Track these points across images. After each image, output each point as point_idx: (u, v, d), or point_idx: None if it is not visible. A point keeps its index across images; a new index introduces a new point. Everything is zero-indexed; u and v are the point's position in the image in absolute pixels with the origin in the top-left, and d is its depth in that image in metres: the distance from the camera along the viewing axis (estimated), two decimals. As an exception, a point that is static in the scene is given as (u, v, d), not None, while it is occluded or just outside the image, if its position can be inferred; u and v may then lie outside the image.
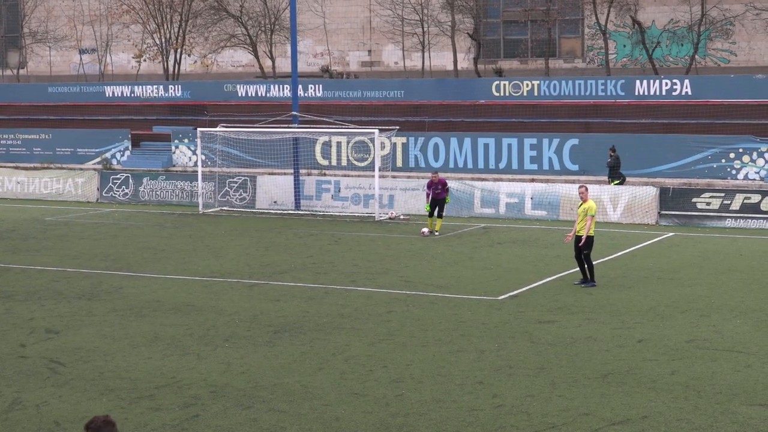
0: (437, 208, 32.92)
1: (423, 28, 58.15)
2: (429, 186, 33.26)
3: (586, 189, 24.28)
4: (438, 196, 32.95)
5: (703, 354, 17.45)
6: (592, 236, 23.67)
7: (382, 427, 13.88)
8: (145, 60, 63.66)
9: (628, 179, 39.23)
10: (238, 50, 63.04)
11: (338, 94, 51.03)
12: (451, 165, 43.95)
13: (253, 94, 52.67)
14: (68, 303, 22.12)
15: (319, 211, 38.72)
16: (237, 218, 37.61)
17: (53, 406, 14.88)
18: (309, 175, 42.40)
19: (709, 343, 18.25)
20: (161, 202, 41.88)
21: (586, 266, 23.73)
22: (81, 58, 68.99)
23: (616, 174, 38.05)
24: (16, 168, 48.25)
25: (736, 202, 33.89)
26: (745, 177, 39.51)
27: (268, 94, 52.26)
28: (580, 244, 23.53)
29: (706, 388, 15.43)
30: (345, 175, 42.32)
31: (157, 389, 15.64)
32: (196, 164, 44.04)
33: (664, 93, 44.91)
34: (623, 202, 35.23)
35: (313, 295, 22.79)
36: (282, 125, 40.29)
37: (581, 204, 23.88)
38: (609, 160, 38.51)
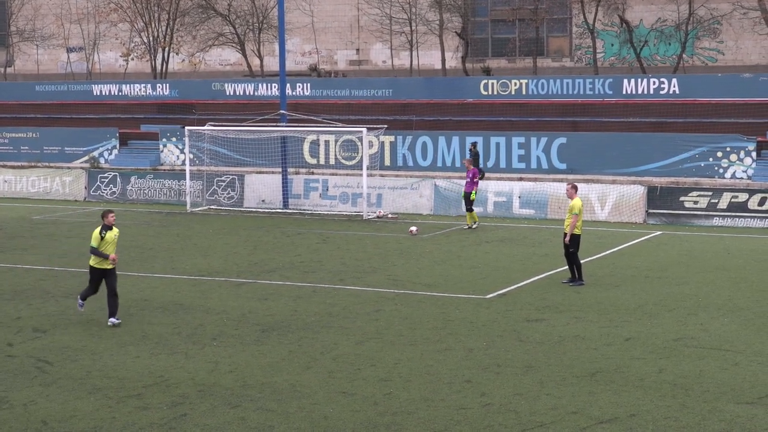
0: (464, 202, 33.73)
1: (411, 26, 58.17)
2: (466, 174, 34.25)
3: (572, 187, 24.28)
4: (467, 188, 33.60)
5: (690, 352, 17.48)
6: (578, 235, 23.68)
7: (370, 426, 13.87)
8: (132, 58, 63.54)
9: (616, 178, 39.32)
10: (226, 49, 62.98)
11: (326, 93, 51.01)
12: (439, 164, 43.93)
13: (241, 93, 52.62)
14: (56, 302, 22.06)
15: (307, 210, 38.71)
16: (225, 217, 37.57)
17: (41, 405, 14.84)
18: (297, 173, 42.37)
19: (697, 341, 18.28)
20: (149, 201, 41.82)
21: (574, 265, 23.76)
22: (68, 57, 68.80)
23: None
24: (3, 167, 48.15)
25: (724, 201, 33.98)
26: (733, 176, 39.57)
27: (256, 93, 52.21)
28: (565, 241, 23.57)
29: (693, 387, 15.46)
30: (333, 174, 42.29)
31: (145, 388, 15.61)
32: (184, 163, 43.94)
33: (651, 92, 44.99)
34: (611, 201, 35.29)
35: (301, 294, 22.77)
36: (270, 124, 40.26)
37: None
38: (469, 156, 39.65)
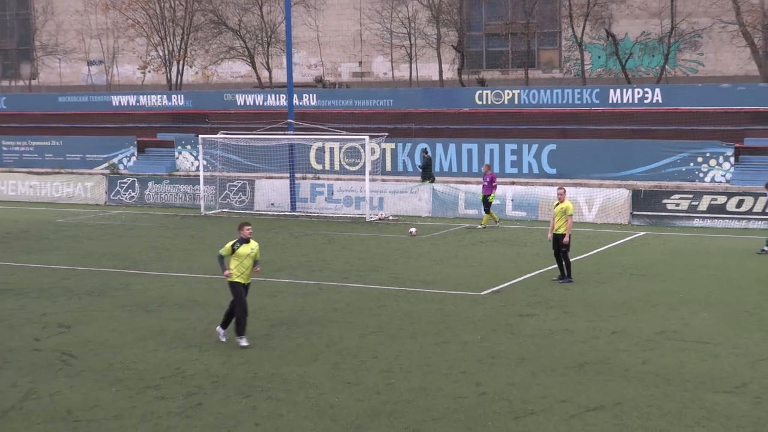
0: (483, 204, 34.33)
1: (410, 40, 58.20)
2: (483, 178, 34.60)
3: (564, 191, 24.38)
4: (485, 191, 34.18)
5: (672, 345, 17.54)
6: (569, 235, 23.75)
7: (373, 414, 13.93)
8: (149, 71, 63.58)
9: (602, 182, 39.37)
10: (237, 62, 63.00)
11: (331, 103, 51.04)
12: (437, 169, 43.92)
13: (252, 103, 52.63)
14: (79, 299, 22.13)
15: (314, 213, 38.75)
16: (236, 219, 37.59)
17: (65, 396, 14.91)
18: (304, 178, 42.41)
19: (678, 334, 18.33)
20: (165, 205, 41.87)
21: (564, 263, 23.81)
22: (89, 70, 68.86)
23: (427, 174, 39.97)
24: (29, 173, 48.20)
25: (704, 203, 34.02)
26: (712, 180, 39.60)
27: (265, 103, 52.22)
28: (563, 241, 23.54)
29: (675, 377, 15.51)
30: (338, 179, 42.33)
31: (163, 379, 15.68)
32: (198, 169, 44.00)
33: (636, 101, 44.99)
34: (598, 203, 35.33)
35: (308, 291, 22.83)
36: (278, 132, 40.31)
37: (557, 204, 23.92)
38: (422, 161, 40.45)
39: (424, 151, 41.35)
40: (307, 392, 14.93)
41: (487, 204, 34.15)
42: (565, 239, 23.51)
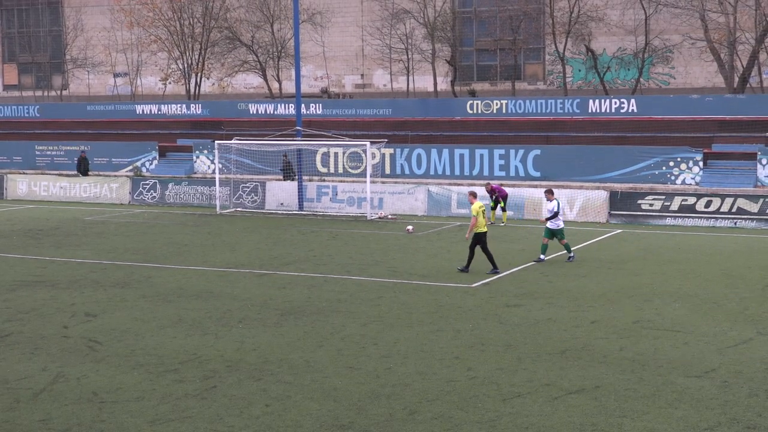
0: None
1: (408, 55, 58.16)
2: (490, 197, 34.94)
3: (471, 194, 24.50)
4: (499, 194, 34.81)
5: (647, 333, 17.46)
6: (483, 232, 23.62)
7: (373, 396, 13.86)
8: (170, 82, 63.56)
9: (583, 184, 39.29)
10: (250, 74, 62.98)
11: (335, 112, 50.98)
12: (432, 172, 43.93)
13: (263, 112, 52.58)
14: (104, 290, 22.05)
15: (319, 212, 38.68)
16: (249, 218, 37.55)
17: (92, 379, 14.83)
18: (311, 180, 42.35)
19: (652, 323, 18.26)
20: (184, 204, 41.79)
21: (485, 256, 23.86)
22: (115, 81, 68.81)
23: (288, 175, 41.41)
24: (60, 175, 48.12)
25: (675, 204, 33.94)
26: (683, 182, 39.56)
27: (275, 112, 52.18)
28: (465, 237, 24.00)
29: (649, 362, 15.44)
30: (341, 181, 42.26)
31: (181, 364, 15.60)
32: (214, 171, 43.92)
33: (613, 110, 44.96)
34: (578, 204, 35.24)
35: (314, 283, 22.75)
36: (287, 138, 40.23)
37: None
38: (282, 165, 41.65)
39: (284, 154, 41.80)
40: (313, 376, 14.85)
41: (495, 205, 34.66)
42: (466, 235, 23.74)
